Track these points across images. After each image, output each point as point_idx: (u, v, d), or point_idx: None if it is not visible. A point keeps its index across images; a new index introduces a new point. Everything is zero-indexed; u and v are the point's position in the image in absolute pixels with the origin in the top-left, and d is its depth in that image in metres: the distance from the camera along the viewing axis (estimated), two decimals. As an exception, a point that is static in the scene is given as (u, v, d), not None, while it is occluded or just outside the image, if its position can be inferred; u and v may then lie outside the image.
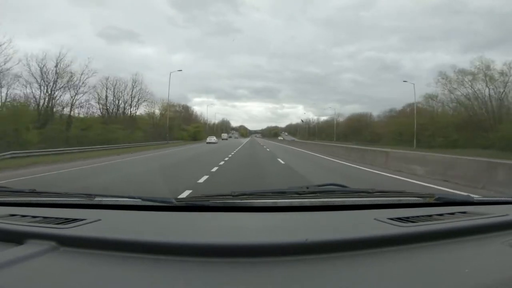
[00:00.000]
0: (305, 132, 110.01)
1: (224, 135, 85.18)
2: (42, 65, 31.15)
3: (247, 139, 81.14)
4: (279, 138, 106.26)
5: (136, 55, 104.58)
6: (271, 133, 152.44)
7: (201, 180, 7.23)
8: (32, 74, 30.44)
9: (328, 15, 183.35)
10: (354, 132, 66.64)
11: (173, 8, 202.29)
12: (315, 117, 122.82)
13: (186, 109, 74.61)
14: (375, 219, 0.99)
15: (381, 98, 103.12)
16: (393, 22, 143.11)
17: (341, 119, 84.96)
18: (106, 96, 40.70)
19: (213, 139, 43.74)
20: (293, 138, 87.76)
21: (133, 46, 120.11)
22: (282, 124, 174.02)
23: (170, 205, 1.14)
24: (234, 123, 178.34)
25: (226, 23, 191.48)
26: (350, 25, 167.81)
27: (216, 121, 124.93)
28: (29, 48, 65.58)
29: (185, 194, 5.13)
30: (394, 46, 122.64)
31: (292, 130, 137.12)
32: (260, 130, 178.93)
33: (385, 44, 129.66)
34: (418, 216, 1.02)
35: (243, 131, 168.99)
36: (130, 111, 44.39)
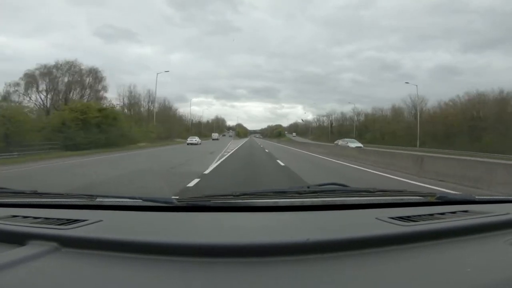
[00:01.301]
0: (320, 132, 79.22)
1: (215, 135, 75.27)
2: None
3: (244, 140, 63.63)
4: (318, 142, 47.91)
5: (134, 55, 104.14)
6: (274, 132, 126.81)
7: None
8: None
9: (328, 14, 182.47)
10: (461, 131, 34.88)
11: (171, 7, 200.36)
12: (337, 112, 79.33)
13: (92, 73, 39.80)
14: (376, 218, 0.99)
15: (381, 98, 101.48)
16: (393, 21, 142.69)
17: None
18: None
19: (194, 140, 37.34)
20: (352, 142, 30.59)
21: (130, 45, 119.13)
22: (283, 124, 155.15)
23: (171, 205, 1.14)
24: (233, 123, 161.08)
25: (225, 22, 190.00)
26: (350, 24, 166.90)
27: (210, 119, 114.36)
28: (25, 48, 64.77)
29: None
30: (394, 45, 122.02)
31: (299, 130, 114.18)
32: (260, 130, 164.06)
33: (385, 44, 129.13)
34: (419, 215, 1.02)
35: (240, 130, 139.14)
36: None
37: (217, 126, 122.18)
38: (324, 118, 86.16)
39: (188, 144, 35.60)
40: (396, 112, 53.46)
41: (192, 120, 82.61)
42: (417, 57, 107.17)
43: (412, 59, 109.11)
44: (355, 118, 65.59)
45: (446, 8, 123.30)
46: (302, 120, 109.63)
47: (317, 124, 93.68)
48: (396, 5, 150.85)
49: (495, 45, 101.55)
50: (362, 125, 62.27)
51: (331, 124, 77.72)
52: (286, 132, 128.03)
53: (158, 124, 45.28)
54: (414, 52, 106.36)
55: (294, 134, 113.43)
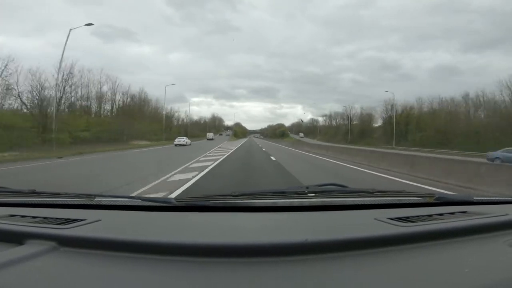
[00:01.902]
0: (334, 132, 66.38)
1: (209, 135, 71.23)
2: None
3: (242, 141, 54.70)
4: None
5: (132, 54, 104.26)
6: (276, 132, 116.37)
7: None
8: None
9: (327, 14, 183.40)
10: None
11: (170, 6, 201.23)
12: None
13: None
14: (375, 219, 0.99)
15: (381, 98, 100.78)
16: (393, 21, 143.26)
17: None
18: None
19: (182, 140, 36.20)
20: None
21: (129, 45, 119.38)
22: (283, 124, 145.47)
23: (170, 205, 1.14)
24: (232, 123, 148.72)
25: (224, 21, 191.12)
26: (350, 24, 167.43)
27: (207, 118, 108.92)
28: (23, 47, 64.09)
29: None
30: (394, 45, 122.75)
31: (302, 129, 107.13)
32: (260, 129, 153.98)
33: (385, 44, 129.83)
34: (418, 216, 1.02)
35: (238, 130, 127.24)
36: None
37: (214, 125, 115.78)
38: (338, 116, 72.99)
39: (176, 145, 34.37)
40: (489, 102, 35.62)
41: (173, 116, 71.85)
42: (417, 57, 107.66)
43: (412, 59, 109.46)
44: (390, 113, 49.58)
45: (446, 8, 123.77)
46: (302, 120, 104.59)
47: (328, 122, 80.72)
48: (396, 5, 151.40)
49: (495, 45, 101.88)
50: (401, 122, 46.46)
51: (350, 121, 62.51)
52: (288, 132, 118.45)
53: (113, 121, 38.11)
54: (414, 52, 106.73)
55: (301, 134, 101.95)
